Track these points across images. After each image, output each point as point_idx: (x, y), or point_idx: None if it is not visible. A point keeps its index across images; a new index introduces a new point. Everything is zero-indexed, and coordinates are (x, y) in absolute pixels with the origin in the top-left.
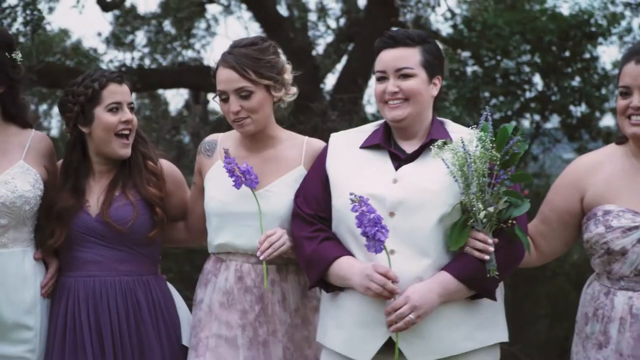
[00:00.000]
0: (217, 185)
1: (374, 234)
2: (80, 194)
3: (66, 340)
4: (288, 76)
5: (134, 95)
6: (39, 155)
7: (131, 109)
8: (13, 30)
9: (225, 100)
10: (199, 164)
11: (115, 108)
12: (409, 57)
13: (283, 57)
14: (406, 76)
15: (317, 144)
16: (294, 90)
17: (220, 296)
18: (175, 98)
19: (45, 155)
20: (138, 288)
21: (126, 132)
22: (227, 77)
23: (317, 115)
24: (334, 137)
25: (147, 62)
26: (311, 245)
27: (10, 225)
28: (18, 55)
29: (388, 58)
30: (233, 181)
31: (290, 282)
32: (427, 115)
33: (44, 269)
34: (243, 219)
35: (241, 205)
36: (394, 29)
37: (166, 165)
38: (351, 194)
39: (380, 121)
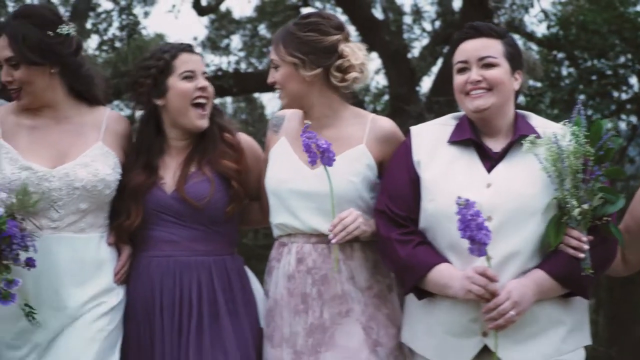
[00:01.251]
0: (277, 163)
1: (480, 237)
2: (153, 171)
3: (140, 320)
4: (344, 61)
5: (229, 98)
6: (117, 137)
7: (206, 79)
8: (109, 35)
9: None
10: (267, 141)
11: (189, 76)
12: (493, 46)
13: (335, 37)
14: (490, 65)
15: (384, 123)
16: (352, 75)
17: (285, 282)
18: (272, 101)
19: (123, 136)
20: (214, 268)
21: (202, 100)
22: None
23: (413, 118)
24: (416, 130)
25: (243, 66)
26: (405, 249)
27: (89, 209)
28: (64, 29)
29: (470, 47)
30: (309, 157)
31: (356, 259)
32: (510, 109)
33: (117, 255)
34: (301, 199)
35: (299, 184)
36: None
37: (245, 139)
38: (459, 197)
39: (459, 113)
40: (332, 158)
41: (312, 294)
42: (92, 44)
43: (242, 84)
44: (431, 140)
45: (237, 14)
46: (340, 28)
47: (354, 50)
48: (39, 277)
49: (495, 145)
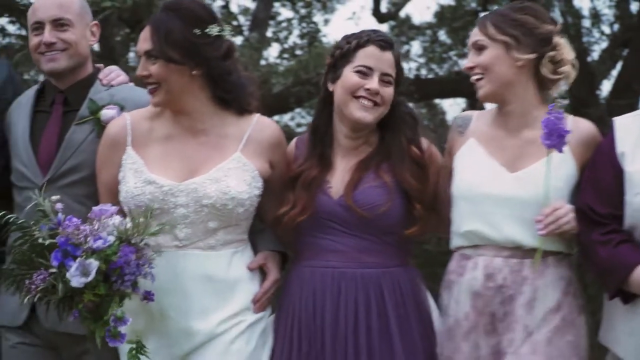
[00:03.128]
0: (468, 166)
1: None
2: (326, 166)
3: (293, 336)
4: (557, 54)
5: (410, 105)
6: (261, 146)
7: (387, 82)
8: (289, 43)
9: None
10: (450, 143)
11: (363, 71)
12: None
13: (551, 27)
14: None
15: (584, 125)
16: (565, 69)
17: (469, 299)
18: (453, 107)
19: (270, 145)
20: (383, 282)
21: (366, 102)
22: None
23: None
24: (620, 121)
25: (423, 72)
26: (605, 249)
27: (219, 227)
28: (214, 30)
29: None
30: (543, 137)
31: (549, 276)
32: None
33: (254, 274)
34: (498, 204)
35: (495, 187)
36: None
37: (435, 152)
38: None
39: None
40: (564, 144)
41: (499, 314)
42: (272, 52)
43: (423, 90)
44: (636, 131)
45: (416, 20)
46: (554, 21)
47: (567, 44)
48: (163, 297)
49: None
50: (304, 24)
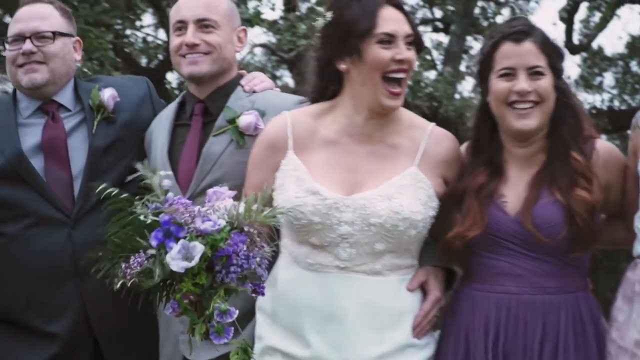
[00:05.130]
0: None
1: None
2: (496, 173)
3: None
4: None
5: (604, 137)
6: (436, 161)
7: (538, 74)
8: None
9: None
10: (634, 142)
11: (507, 74)
12: None
13: None
14: None
15: None
16: None
17: None
18: None
19: (446, 160)
20: (563, 310)
21: (523, 108)
22: None
23: None
24: None
25: (616, 103)
26: None
27: (387, 250)
28: None
29: None
30: None
31: None
32: None
33: (420, 301)
34: None
35: None
36: None
37: (604, 150)
38: None
39: None
40: None
41: None
42: (467, 86)
43: (616, 122)
44: None
45: (608, 51)
46: None
47: None
48: (321, 322)
49: None
50: None
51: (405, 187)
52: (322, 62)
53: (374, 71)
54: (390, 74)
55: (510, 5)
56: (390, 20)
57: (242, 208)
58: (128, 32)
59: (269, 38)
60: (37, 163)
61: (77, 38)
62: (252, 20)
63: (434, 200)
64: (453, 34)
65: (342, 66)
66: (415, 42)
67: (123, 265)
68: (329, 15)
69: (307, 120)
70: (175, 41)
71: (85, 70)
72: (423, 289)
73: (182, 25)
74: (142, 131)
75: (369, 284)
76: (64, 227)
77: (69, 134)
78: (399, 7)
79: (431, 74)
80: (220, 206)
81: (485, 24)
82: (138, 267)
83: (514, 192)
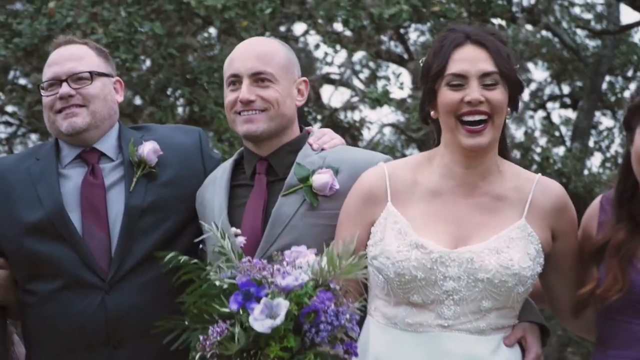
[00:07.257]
0: None
1: None
2: (637, 229)
3: None
4: None
5: None
6: (545, 213)
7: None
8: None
9: None
10: None
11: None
12: None
13: None
14: None
15: None
16: None
17: None
18: None
19: (554, 211)
20: None
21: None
22: None
23: None
24: None
25: None
26: None
27: (493, 308)
28: None
29: None
30: None
31: None
32: None
33: (518, 357)
34: None
35: None
36: None
37: None
38: None
39: None
40: None
41: None
42: (595, 161)
43: None
44: None
45: None
46: None
47: None
48: None
49: None
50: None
51: (515, 241)
52: (423, 112)
53: (448, 115)
54: (463, 117)
55: (638, 80)
56: (463, 60)
57: (324, 262)
58: None
59: (398, 117)
60: (75, 217)
61: (117, 78)
62: (381, 99)
63: (541, 256)
64: (581, 109)
65: (432, 112)
66: (506, 80)
67: (201, 338)
68: (421, 60)
69: (405, 171)
70: (229, 97)
71: (216, 151)
72: (520, 344)
73: (236, 80)
74: (187, 189)
75: (473, 343)
76: (98, 292)
77: (109, 189)
78: (482, 44)
79: (560, 150)
80: (302, 262)
81: (613, 99)
82: (218, 337)
83: None
